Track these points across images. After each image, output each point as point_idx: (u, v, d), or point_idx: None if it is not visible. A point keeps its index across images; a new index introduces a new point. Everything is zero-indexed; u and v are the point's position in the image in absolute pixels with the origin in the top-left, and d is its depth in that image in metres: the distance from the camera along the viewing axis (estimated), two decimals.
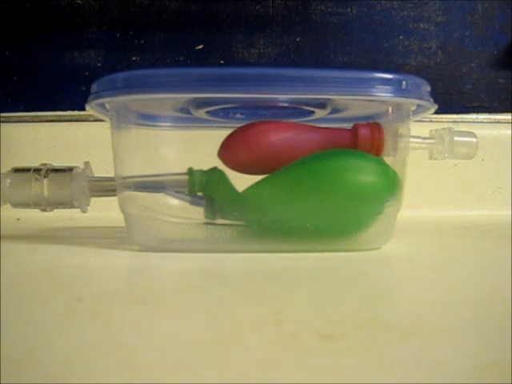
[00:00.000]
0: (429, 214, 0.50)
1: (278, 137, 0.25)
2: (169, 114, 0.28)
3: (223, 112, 0.28)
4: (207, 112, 0.27)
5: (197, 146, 0.28)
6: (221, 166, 0.26)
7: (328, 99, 0.25)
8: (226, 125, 0.27)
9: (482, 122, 0.53)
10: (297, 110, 0.28)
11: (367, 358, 0.12)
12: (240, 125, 0.26)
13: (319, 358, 0.12)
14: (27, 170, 0.29)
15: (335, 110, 0.27)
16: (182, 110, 0.27)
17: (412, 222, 0.41)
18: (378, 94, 0.23)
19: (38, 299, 0.17)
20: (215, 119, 0.28)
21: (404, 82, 0.23)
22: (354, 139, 0.25)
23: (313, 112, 0.27)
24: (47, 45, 0.51)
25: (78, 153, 0.48)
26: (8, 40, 0.51)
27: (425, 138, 0.32)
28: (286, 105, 0.27)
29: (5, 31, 0.51)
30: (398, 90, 0.23)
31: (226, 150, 0.25)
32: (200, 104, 0.26)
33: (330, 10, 0.49)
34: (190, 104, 0.27)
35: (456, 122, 0.52)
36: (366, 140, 0.25)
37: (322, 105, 0.26)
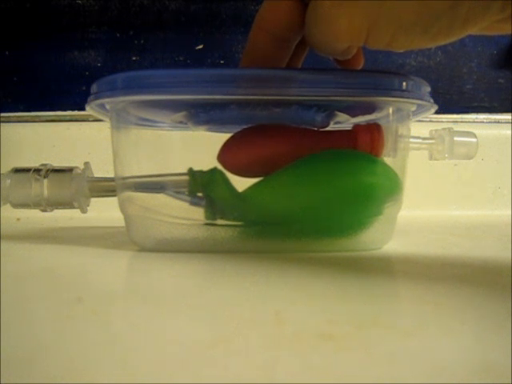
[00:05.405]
0: (429, 213, 0.50)
1: (278, 139, 0.25)
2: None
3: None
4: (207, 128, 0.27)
5: (197, 146, 0.28)
6: (221, 166, 0.26)
7: (329, 104, 0.25)
8: (226, 131, 0.27)
9: (482, 122, 0.53)
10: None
11: (367, 358, 0.12)
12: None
13: (320, 358, 0.12)
14: (27, 170, 0.29)
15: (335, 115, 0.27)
16: (181, 122, 0.28)
17: (412, 222, 0.42)
18: (378, 95, 0.23)
19: (38, 299, 0.17)
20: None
21: (404, 83, 0.23)
22: (353, 140, 0.25)
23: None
24: (47, 45, 0.51)
25: (78, 153, 0.48)
26: (8, 40, 0.51)
27: (425, 139, 0.33)
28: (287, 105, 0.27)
29: (5, 31, 0.51)
30: (398, 91, 0.23)
31: (226, 154, 0.25)
32: (199, 122, 0.27)
33: None
34: (188, 120, 0.27)
35: (456, 122, 0.52)
36: (365, 141, 0.25)
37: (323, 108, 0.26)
